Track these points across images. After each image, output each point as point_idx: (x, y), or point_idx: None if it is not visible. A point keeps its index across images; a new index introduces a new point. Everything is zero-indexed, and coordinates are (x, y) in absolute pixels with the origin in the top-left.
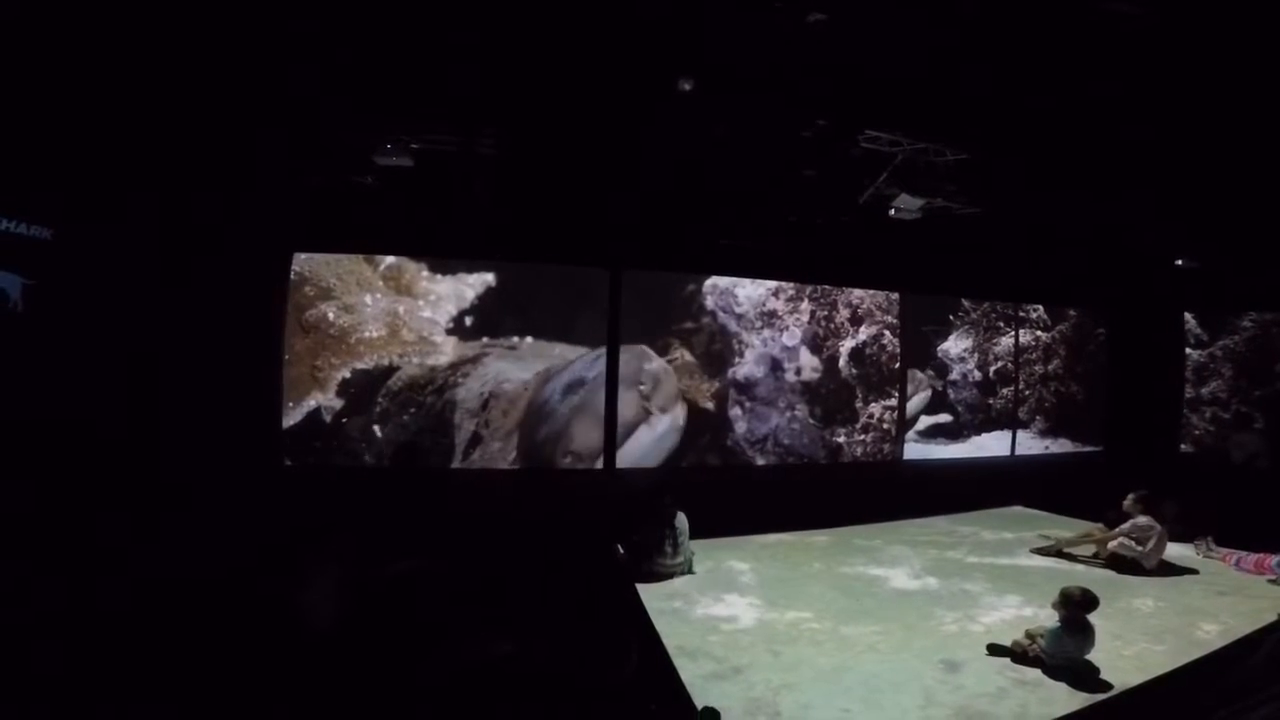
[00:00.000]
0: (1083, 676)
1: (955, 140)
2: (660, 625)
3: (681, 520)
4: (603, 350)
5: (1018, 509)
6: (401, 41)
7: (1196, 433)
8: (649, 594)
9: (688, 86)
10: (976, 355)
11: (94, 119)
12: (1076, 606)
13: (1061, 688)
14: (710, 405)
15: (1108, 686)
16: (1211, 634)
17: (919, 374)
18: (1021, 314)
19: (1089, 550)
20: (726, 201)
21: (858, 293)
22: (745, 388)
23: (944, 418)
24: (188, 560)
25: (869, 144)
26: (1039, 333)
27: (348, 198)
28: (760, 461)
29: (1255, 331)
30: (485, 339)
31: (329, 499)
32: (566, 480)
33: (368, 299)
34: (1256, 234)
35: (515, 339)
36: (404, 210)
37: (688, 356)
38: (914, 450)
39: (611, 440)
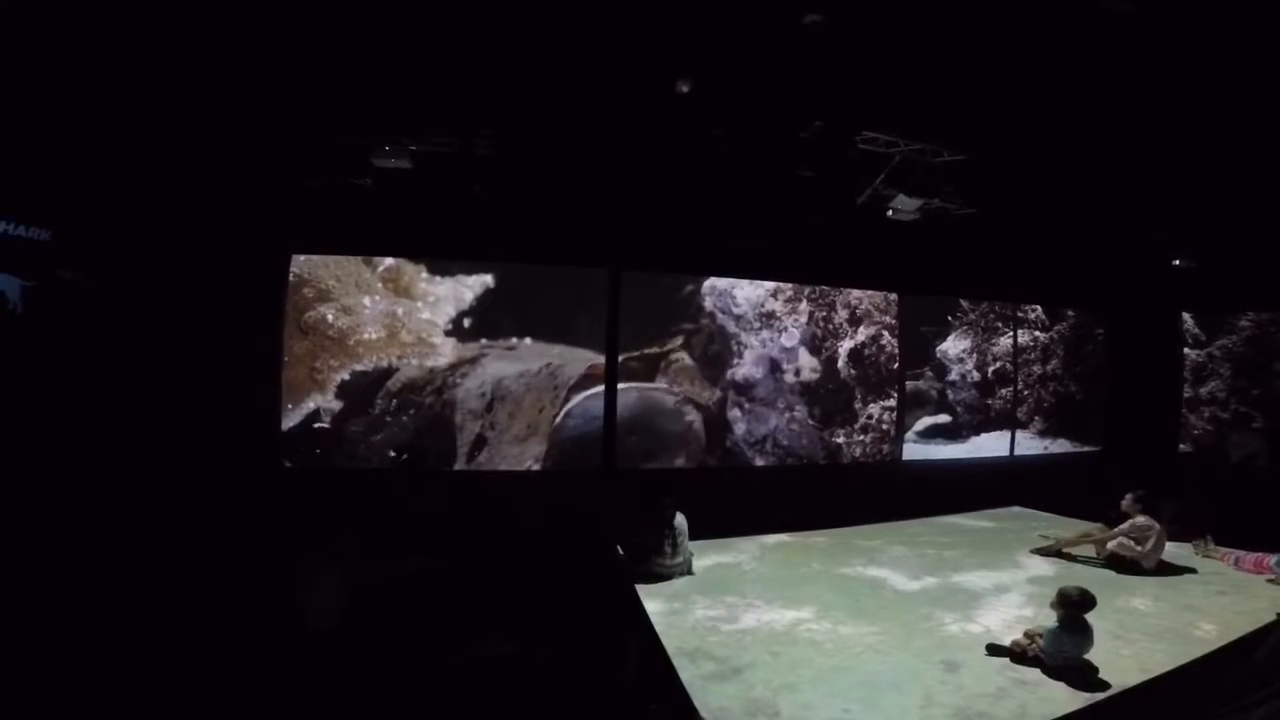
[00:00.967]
0: (1082, 676)
1: (953, 140)
2: (660, 626)
3: (681, 521)
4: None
5: (1017, 509)
6: (399, 42)
7: (1195, 432)
8: (648, 595)
9: (685, 88)
10: (975, 356)
11: (93, 121)
12: (1074, 606)
13: (1061, 687)
14: (710, 406)
15: (1106, 686)
16: (1210, 633)
17: (920, 387)
18: (1020, 314)
19: (1088, 550)
20: (725, 202)
21: (856, 293)
22: (744, 389)
23: (943, 418)
24: (189, 562)
25: (866, 145)
26: (1037, 333)
27: (346, 199)
28: (759, 462)
29: (1253, 331)
30: (484, 340)
31: (330, 500)
32: (566, 481)
33: (366, 301)
34: (1254, 233)
35: (514, 340)
36: (402, 212)
37: (687, 359)
38: (913, 451)
39: (611, 441)
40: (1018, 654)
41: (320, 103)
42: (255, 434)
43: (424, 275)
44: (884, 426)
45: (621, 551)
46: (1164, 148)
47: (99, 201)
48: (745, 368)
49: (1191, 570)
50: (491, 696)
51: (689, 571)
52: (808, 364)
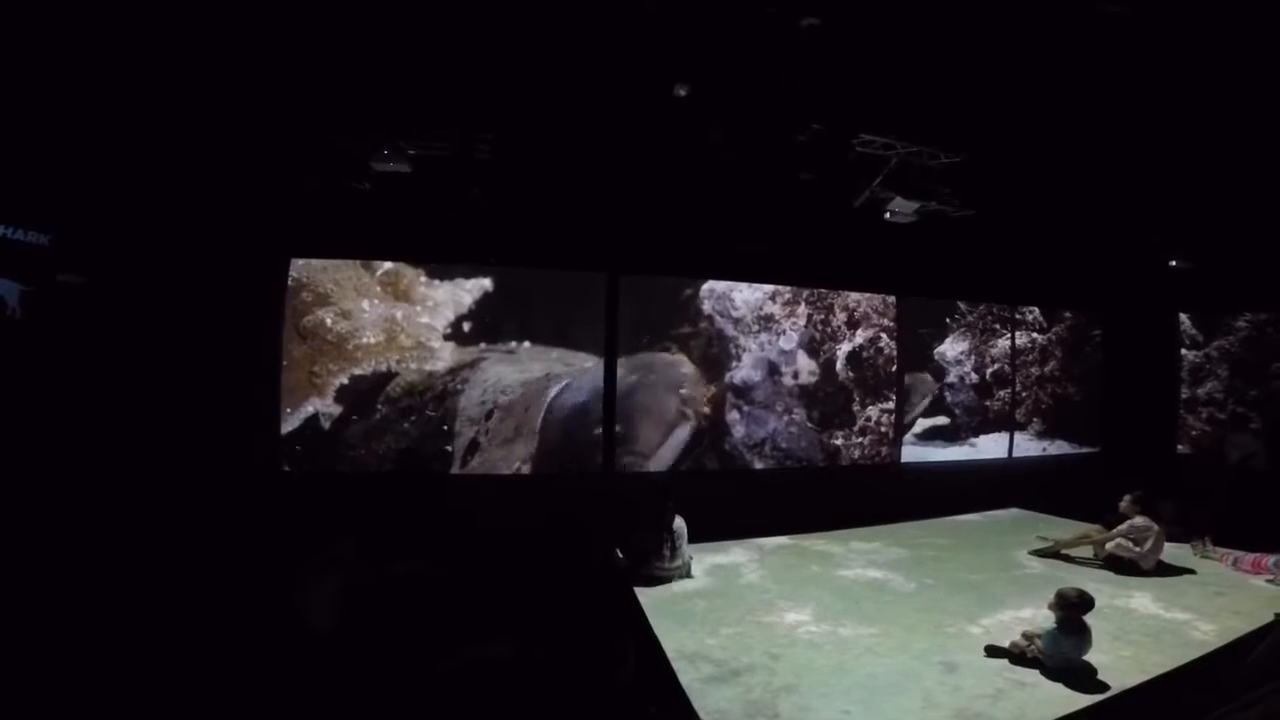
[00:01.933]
0: (1080, 677)
1: (950, 143)
2: (658, 628)
3: (680, 524)
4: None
5: (1015, 510)
6: (399, 46)
7: (1193, 433)
8: (647, 597)
9: (683, 92)
10: (973, 357)
11: (92, 125)
12: (1073, 607)
13: (1059, 689)
14: (708, 409)
15: (1105, 687)
16: (1209, 634)
17: (926, 377)
18: (1017, 316)
19: (1086, 551)
20: (723, 205)
21: (854, 296)
22: (743, 391)
23: (941, 420)
24: (188, 565)
25: (864, 148)
26: (1035, 335)
27: (345, 203)
28: (758, 465)
29: (1250, 332)
30: (483, 344)
31: (328, 504)
32: (565, 484)
33: (365, 305)
34: (1251, 233)
35: (513, 343)
36: (401, 216)
37: (686, 361)
38: (912, 453)
39: (611, 441)
40: (1016, 655)
41: (319, 107)
42: (254, 438)
43: (423, 279)
44: (882, 429)
45: (620, 554)
46: (1161, 148)
47: (98, 205)
48: (744, 371)
49: (1190, 571)
50: (488, 699)
51: (688, 574)
52: (806, 366)
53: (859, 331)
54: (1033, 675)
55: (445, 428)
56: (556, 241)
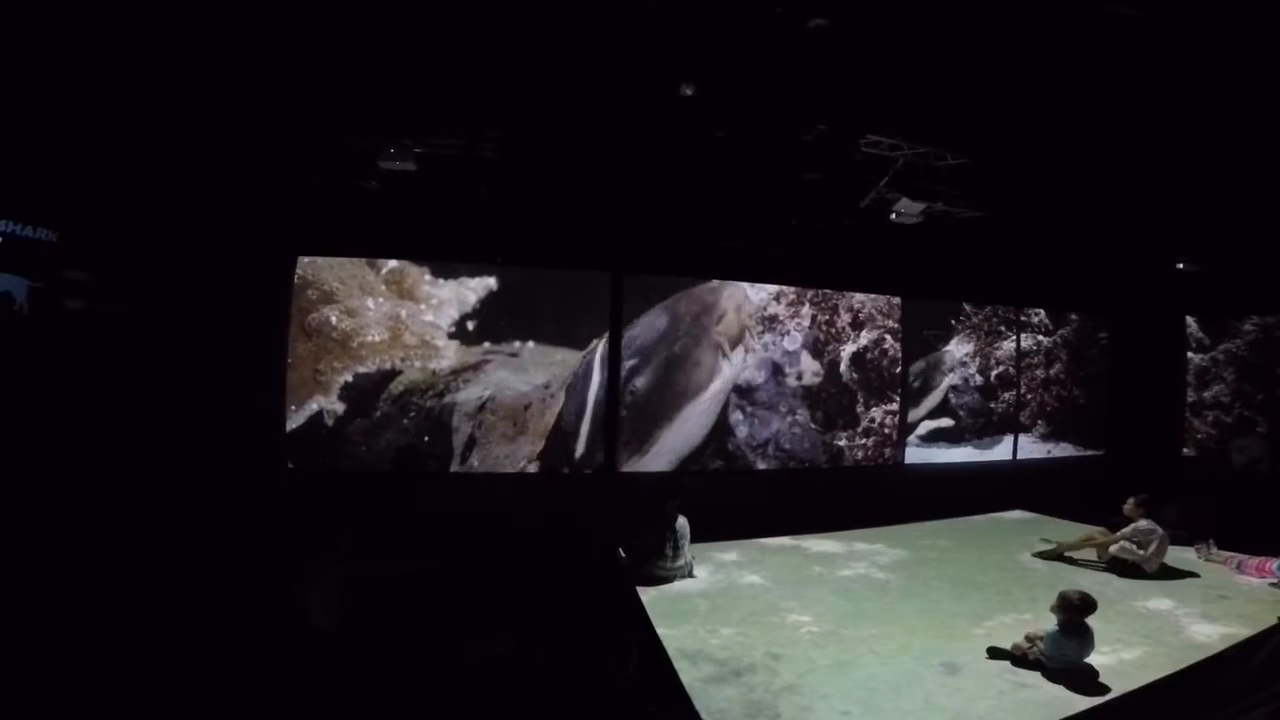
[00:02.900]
0: (1082, 680)
1: (956, 144)
2: (660, 628)
3: (682, 524)
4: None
5: (1019, 513)
6: (404, 45)
7: (1198, 437)
8: (649, 597)
9: (689, 91)
10: (978, 359)
11: (98, 122)
12: (1075, 610)
13: (1061, 691)
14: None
15: (1107, 690)
16: (1212, 637)
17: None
18: (1023, 318)
19: (1090, 554)
20: (728, 205)
21: (859, 297)
22: (746, 392)
23: (945, 422)
24: (192, 562)
25: (870, 148)
26: (1040, 337)
27: (351, 202)
28: (761, 465)
29: (1257, 335)
30: (487, 344)
31: (332, 501)
32: (568, 483)
33: (370, 303)
34: (1258, 236)
35: (517, 344)
36: (407, 214)
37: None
38: (915, 454)
39: (613, 441)
40: (1018, 657)
41: (325, 105)
42: (259, 435)
43: (427, 278)
44: (886, 430)
45: (623, 554)
46: (1168, 151)
47: (105, 203)
48: (748, 371)
49: (1193, 574)
50: (490, 697)
51: (690, 574)
52: (810, 367)
53: (863, 333)
54: (1034, 677)
55: (448, 425)
56: (561, 240)
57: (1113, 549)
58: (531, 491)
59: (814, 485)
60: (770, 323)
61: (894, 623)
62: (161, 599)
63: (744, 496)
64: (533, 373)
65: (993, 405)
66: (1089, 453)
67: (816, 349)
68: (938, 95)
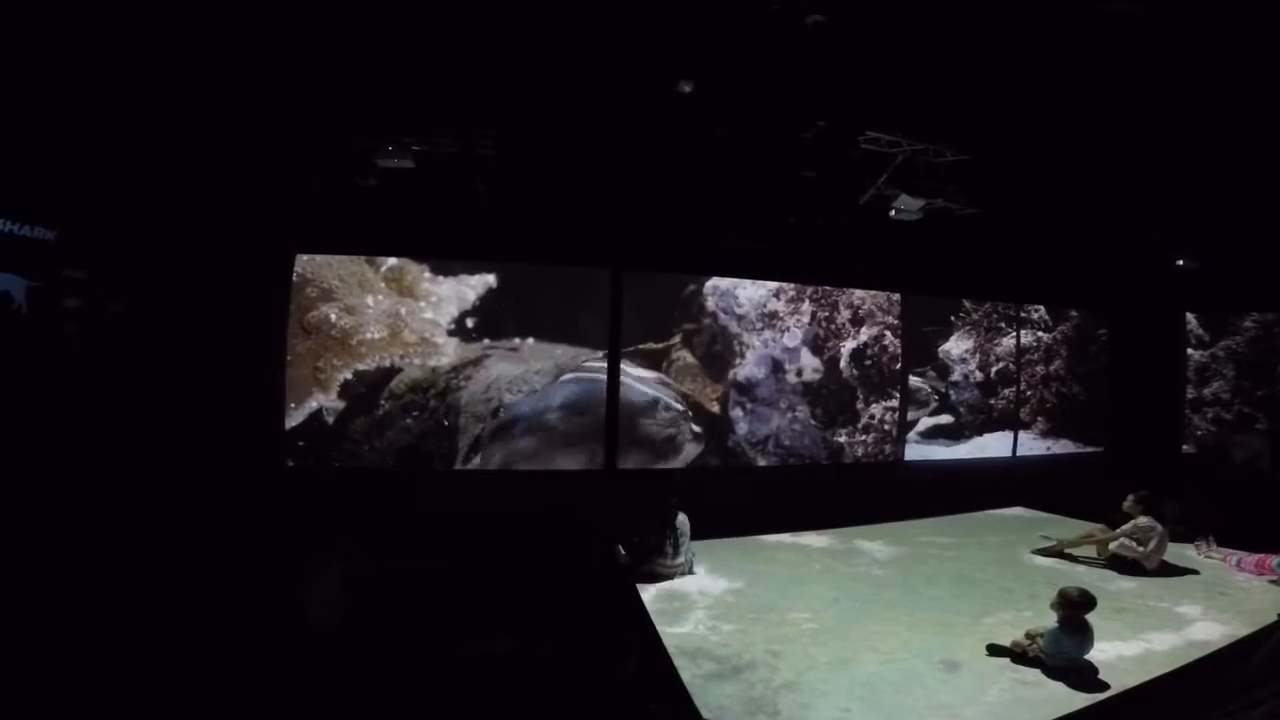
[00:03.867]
0: (1082, 677)
1: (955, 141)
2: (660, 626)
3: (683, 521)
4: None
5: (1019, 510)
6: (403, 43)
7: (1198, 433)
8: (649, 595)
9: (688, 88)
10: (978, 356)
11: (97, 121)
12: (1074, 607)
13: (1060, 688)
14: (714, 407)
15: (1106, 687)
16: (1211, 634)
17: (921, 384)
18: (1023, 315)
19: (1090, 551)
20: (727, 202)
21: (859, 293)
22: (746, 389)
23: (945, 418)
24: (191, 560)
25: (869, 145)
26: (1040, 333)
27: (350, 199)
28: (761, 462)
29: (1257, 332)
30: (487, 340)
31: (331, 499)
32: (567, 481)
33: (369, 300)
34: (1258, 234)
35: (517, 340)
36: (406, 212)
37: (689, 358)
38: (915, 451)
39: (613, 441)
40: (1018, 654)
41: (324, 103)
42: (258, 433)
43: (427, 275)
44: (886, 427)
45: (623, 551)
46: (1168, 148)
47: (104, 201)
48: (747, 368)
49: (1193, 571)
50: (490, 695)
51: (690, 571)
52: (810, 364)
53: (863, 329)
54: (1034, 674)
55: (448, 424)
56: (560, 237)
57: (1112, 546)
58: (531, 489)
59: (814, 482)
60: (770, 319)
61: (894, 620)
62: (161, 597)
63: (744, 493)
64: (532, 362)
65: (993, 402)
66: (1089, 449)
67: (816, 345)
68: (937, 92)
